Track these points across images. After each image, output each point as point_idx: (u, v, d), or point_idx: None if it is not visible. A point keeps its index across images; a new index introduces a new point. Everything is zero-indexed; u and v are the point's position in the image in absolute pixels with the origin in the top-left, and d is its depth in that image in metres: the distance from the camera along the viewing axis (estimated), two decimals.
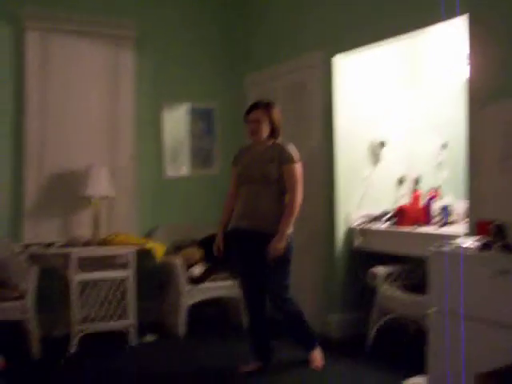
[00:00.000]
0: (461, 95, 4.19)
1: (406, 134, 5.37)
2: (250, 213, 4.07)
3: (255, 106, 4.13)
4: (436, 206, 4.77)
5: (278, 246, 3.96)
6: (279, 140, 4.17)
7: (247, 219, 4.08)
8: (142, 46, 5.72)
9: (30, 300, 4.54)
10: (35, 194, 5.25)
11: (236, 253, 4.21)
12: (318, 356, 4.28)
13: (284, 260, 4.05)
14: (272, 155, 4.05)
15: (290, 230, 4.03)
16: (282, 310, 4.16)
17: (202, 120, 6.01)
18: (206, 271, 5.16)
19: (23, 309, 4.51)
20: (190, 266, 5.16)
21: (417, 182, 5.18)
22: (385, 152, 5.21)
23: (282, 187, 4.06)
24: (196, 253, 5.17)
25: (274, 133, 4.13)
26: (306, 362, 4.25)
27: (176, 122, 5.90)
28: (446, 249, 3.15)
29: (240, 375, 4.12)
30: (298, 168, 4.07)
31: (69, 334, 4.83)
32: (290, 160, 4.04)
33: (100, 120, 5.53)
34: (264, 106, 4.11)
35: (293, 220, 4.02)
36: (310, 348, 4.30)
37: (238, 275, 4.39)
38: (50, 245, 4.95)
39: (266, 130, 4.10)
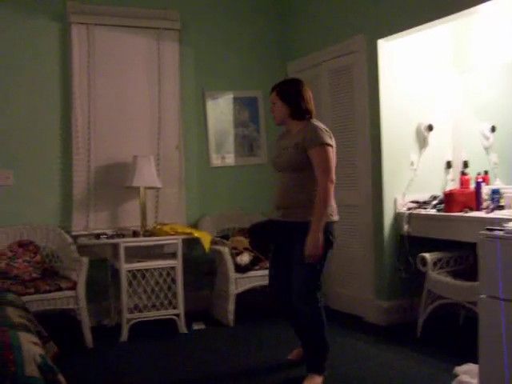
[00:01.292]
0: (509, 77, 4.08)
1: (453, 118, 5.28)
2: (280, 203, 3.75)
3: (272, 89, 3.86)
4: (485, 191, 4.68)
5: (310, 247, 3.53)
6: (311, 121, 3.75)
7: (279, 209, 3.78)
8: (185, 36, 5.75)
9: (81, 290, 4.63)
10: (83, 185, 5.34)
11: (273, 243, 3.98)
12: (317, 382, 3.71)
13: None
14: (297, 140, 3.67)
15: (326, 220, 3.58)
16: (301, 311, 3.73)
17: (246, 108, 6.01)
18: (253, 259, 5.17)
19: (75, 298, 4.60)
20: (237, 254, 5.18)
21: (465, 166, 5.09)
22: (432, 136, 5.13)
23: (313, 173, 3.63)
24: (243, 241, 5.18)
25: (294, 114, 3.76)
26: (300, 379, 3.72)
27: (220, 111, 5.92)
28: (497, 233, 3.08)
29: (288, 364, 4.13)
30: (325, 150, 3.58)
31: (119, 323, 4.93)
32: (314, 143, 3.58)
33: (145, 111, 5.59)
34: (277, 87, 3.81)
35: (325, 211, 3.55)
36: (314, 369, 3.75)
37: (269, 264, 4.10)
38: (98, 235, 5.03)
39: (280, 113, 3.78)
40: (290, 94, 3.77)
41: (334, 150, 3.66)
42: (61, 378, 2.48)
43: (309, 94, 3.82)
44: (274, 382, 3.83)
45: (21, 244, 4.92)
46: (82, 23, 5.32)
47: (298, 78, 4.00)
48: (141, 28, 5.55)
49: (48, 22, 5.27)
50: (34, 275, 4.75)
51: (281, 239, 3.87)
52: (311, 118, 3.78)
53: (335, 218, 3.73)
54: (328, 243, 3.64)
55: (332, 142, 3.65)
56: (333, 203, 3.71)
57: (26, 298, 4.13)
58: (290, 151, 3.69)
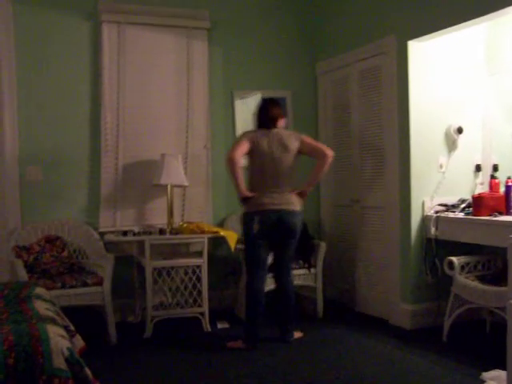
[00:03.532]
0: None
1: (483, 120, 5.21)
2: None
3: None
4: None
5: None
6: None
7: None
8: (215, 35, 5.76)
9: (107, 286, 4.66)
10: (111, 182, 5.38)
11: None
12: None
13: None
14: None
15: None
16: None
17: None
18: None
19: (101, 294, 4.64)
20: None
21: (495, 169, 5.02)
22: (462, 138, 5.07)
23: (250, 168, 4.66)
24: None
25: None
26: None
27: (248, 110, 5.89)
28: None
29: (312, 363, 4.12)
30: None
31: (144, 320, 4.95)
32: None
33: (174, 110, 5.61)
34: None
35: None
36: None
37: None
38: (125, 232, 5.06)
39: None
40: None
41: (244, 143, 4.50)
42: (87, 371, 2.50)
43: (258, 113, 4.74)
44: (297, 380, 3.83)
45: (48, 239, 4.96)
46: (112, 22, 5.36)
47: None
48: (171, 27, 5.57)
49: (79, 21, 5.32)
50: (61, 270, 4.79)
51: None
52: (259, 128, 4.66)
53: (248, 209, 4.55)
54: (244, 231, 4.60)
55: (247, 136, 4.55)
56: (257, 197, 4.50)
57: (53, 293, 4.16)
58: None
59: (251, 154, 4.54)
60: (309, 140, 4.64)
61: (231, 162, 4.40)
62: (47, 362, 2.35)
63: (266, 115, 4.64)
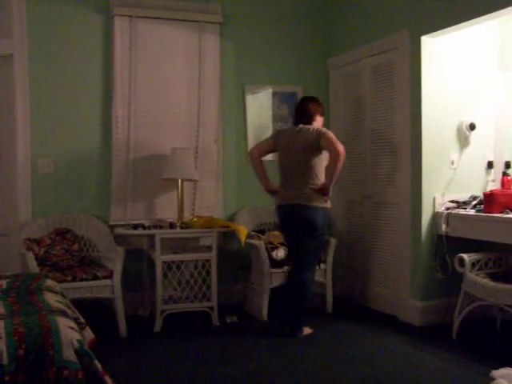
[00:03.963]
0: None
1: (496, 117, 5.18)
2: None
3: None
4: None
5: None
6: None
7: None
8: (227, 29, 5.75)
9: (117, 279, 4.68)
10: (122, 176, 5.38)
11: None
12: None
13: None
14: None
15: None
16: None
17: (286, 104, 5.97)
18: (288, 254, 5.15)
19: (111, 287, 4.66)
20: (272, 249, 5.17)
21: (507, 166, 4.99)
22: (474, 135, 5.04)
23: None
24: (279, 236, 5.17)
25: None
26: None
27: (259, 105, 5.91)
28: None
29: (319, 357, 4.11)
30: None
31: (153, 313, 4.97)
32: None
33: (185, 104, 5.61)
34: None
35: None
36: None
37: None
38: (136, 226, 5.07)
39: None
40: None
41: (269, 140, 4.94)
42: (97, 363, 2.51)
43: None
44: (306, 376, 3.82)
45: (59, 232, 4.99)
46: (124, 15, 5.36)
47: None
48: (182, 21, 5.56)
49: (91, 14, 5.33)
50: (72, 263, 4.81)
51: None
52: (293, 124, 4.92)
53: (275, 203, 4.83)
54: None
55: (274, 133, 5.11)
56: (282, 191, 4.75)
57: (63, 286, 4.17)
58: None
59: (277, 150, 4.84)
60: (328, 136, 4.56)
61: (250, 158, 4.89)
62: (57, 354, 2.36)
63: (296, 112, 4.86)
